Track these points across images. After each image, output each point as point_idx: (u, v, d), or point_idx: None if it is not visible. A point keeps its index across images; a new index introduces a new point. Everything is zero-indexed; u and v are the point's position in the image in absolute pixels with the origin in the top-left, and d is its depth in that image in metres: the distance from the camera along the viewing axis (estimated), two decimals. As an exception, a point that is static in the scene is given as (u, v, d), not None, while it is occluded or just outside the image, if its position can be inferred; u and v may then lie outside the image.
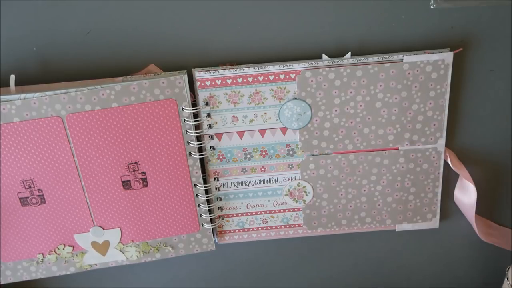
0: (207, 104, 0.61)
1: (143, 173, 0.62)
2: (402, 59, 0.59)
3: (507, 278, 0.65)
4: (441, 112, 0.62)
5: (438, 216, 0.69)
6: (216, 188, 0.66)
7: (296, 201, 0.67)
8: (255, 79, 0.60)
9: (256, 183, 0.66)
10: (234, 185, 0.66)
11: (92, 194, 0.63)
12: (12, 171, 0.61)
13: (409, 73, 0.60)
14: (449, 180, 0.68)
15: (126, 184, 0.63)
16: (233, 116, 0.62)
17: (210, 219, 0.67)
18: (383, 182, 0.66)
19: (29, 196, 0.62)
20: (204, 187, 0.64)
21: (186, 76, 0.59)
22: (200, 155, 0.62)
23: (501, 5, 0.58)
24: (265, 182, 0.66)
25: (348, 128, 0.63)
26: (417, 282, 0.77)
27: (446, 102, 0.62)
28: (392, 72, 0.60)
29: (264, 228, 0.69)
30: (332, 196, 0.67)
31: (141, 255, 0.67)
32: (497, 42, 0.61)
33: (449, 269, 0.76)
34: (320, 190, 0.66)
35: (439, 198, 0.68)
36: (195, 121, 0.61)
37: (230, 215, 0.68)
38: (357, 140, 0.64)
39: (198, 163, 0.63)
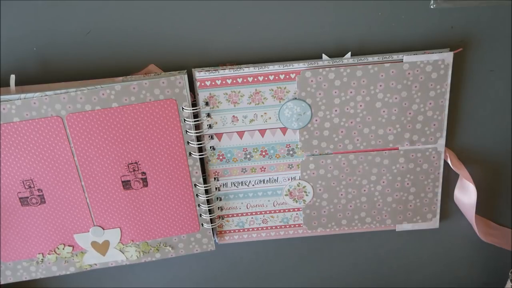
0: (207, 104, 0.61)
1: (143, 173, 0.62)
2: (402, 59, 0.59)
3: (510, 280, 0.65)
4: (441, 112, 0.62)
5: (438, 216, 0.69)
6: (216, 188, 0.66)
7: (296, 201, 0.67)
8: (255, 79, 0.60)
9: (256, 183, 0.66)
10: (234, 185, 0.66)
11: (92, 194, 0.63)
12: (12, 171, 0.61)
13: (409, 73, 0.60)
14: (449, 180, 0.68)
15: (126, 184, 0.63)
16: (233, 116, 0.62)
17: (210, 219, 0.67)
18: (383, 182, 0.66)
19: (29, 196, 0.62)
20: (204, 187, 0.64)
21: (186, 76, 0.59)
22: (200, 155, 0.62)
23: (501, 5, 0.58)
24: (265, 182, 0.66)
25: (348, 128, 0.63)
26: (417, 282, 0.77)
27: (446, 102, 0.62)
28: (392, 72, 0.60)
29: (264, 228, 0.69)
30: (332, 196, 0.67)
31: (141, 255, 0.67)
32: (497, 42, 0.61)
33: (449, 269, 0.76)
34: (320, 190, 0.66)
35: (439, 198, 0.68)
36: (195, 121, 0.61)
37: (230, 215, 0.68)
38: (357, 140, 0.64)
39: (198, 163, 0.63)
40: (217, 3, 0.58)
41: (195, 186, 0.64)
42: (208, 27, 0.59)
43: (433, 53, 0.59)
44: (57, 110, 0.58)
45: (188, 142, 0.62)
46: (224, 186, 0.66)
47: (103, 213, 0.64)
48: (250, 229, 0.69)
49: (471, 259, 0.75)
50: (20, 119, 0.58)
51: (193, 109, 0.60)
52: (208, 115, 0.62)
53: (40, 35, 0.59)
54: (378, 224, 0.69)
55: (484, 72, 0.62)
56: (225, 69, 0.59)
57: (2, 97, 0.57)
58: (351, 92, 0.61)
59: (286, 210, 0.68)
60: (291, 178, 0.66)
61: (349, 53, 0.60)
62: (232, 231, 0.69)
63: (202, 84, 0.60)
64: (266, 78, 0.60)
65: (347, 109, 0.62)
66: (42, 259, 0.66)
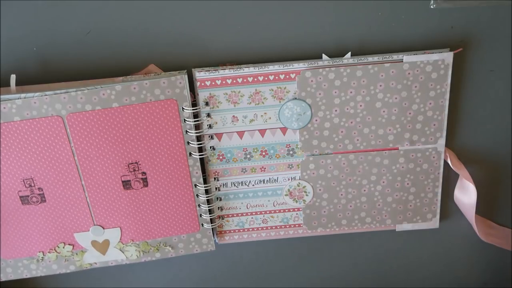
0: (207, 104, 0.61)
1: (143, 173, 0.62)
2: (402, 59, 0.59)
3: None
4: (441, 112, 0.62)
5: (438, 216, 0.69)
6: (216, 188, 0.66)
7: (296, 201, 0.67)
8: (255, 79, 0.60)
9: (256, 183, 0.66)
10: (234, 185, 0.66)
11: (92, 193, 0.63)
12: (12, 169, 0.61)
13: (409, 73, 0.60)
14: (449, 180, 0.68)
15: (126, 184, 0.63)
16: (233, 116, 0.62)
17: (210, 219, 0.67)
18: (383, 182, 0.66)
19: (30, 194, 0.62)
20: (204, 187, 0.64)
21: (186, 76, 0.59)
22: (200, 155, 0.62)
23: (501, 5, 0.58)
24: (265, 182, 0.66)
25: (348, 128, 0.63)
26: (417, 282, 0.77)
27: (446, 102, 0.62)
28: (392, 72, 0.60)
29: (264, 228, 0.69)
30: (332, 196, 0.67)
31: (141, 254, 0.68)
32: (497, 42, 0.60)
33: (449, 269, 0.76)
34: (320, 190, 0.66)
35: (439, 198, 0.68)
36: (195, 121, 0.61)
37: (230, 215, 0.68)
38: (357, 140, 0.64)
39: (198, 163, 0.63)
40: (217, 3, 0.58)
41: (195, 186, 0.64)
42: (208, 27, 0.59)
43: (433, 53, 0.59)
44: (58, 109, 0.58)
45: (188, 142, 0.62)
46: (224, 186, 0.66)
47: (103, 213, 0.64)
48: (250, 229, 0.69)
49: (471, 259, 0.75)
50: (20, 118, 0.58)
51: (193, 109, 0.60)
52: (208, 115, 0.62)
53: (40, 35, 0.59)
54: (378, 224, 0.69)
55: (484, 72, 0.62)
56: (225, 69, 0.59)
57: (2, 96, 0.57)
58: (351, 92, 0.61)
59: (286, 210, 0.68)
60: (291, 178, 0.66)
61: (349, 53, 0.60)
62: (232, 231, 0.69)
63: (202, 84, 0.60)
64: (266, 78, 0.60)
65: (347, 109, 0.62)
66: (42, 257, 0.66)
